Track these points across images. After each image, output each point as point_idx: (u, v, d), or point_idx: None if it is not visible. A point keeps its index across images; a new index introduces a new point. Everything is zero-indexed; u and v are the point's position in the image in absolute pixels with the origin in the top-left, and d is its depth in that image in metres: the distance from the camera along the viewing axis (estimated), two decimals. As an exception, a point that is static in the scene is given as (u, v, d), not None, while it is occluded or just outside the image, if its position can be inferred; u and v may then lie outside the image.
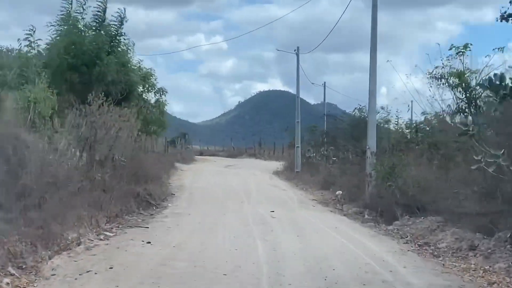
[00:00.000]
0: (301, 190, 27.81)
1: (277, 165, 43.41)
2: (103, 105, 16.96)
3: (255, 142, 66.00)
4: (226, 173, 38.34)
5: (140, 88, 28.89)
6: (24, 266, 8.91)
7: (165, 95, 34.68)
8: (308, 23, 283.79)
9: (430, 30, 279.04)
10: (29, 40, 20.80)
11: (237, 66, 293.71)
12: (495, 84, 8.62)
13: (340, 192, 22.17)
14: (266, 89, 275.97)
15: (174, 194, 22.69)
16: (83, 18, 22.26)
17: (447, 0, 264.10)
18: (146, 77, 30.39)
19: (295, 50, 41.37)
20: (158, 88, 33.40)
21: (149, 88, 32.07)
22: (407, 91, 28.74)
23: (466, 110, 17.29)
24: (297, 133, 40.43)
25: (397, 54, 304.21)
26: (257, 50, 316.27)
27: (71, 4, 21.98)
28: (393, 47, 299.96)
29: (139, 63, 28.42)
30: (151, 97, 33.27)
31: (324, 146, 33.78)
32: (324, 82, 55.73)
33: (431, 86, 18.46)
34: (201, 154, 63.44)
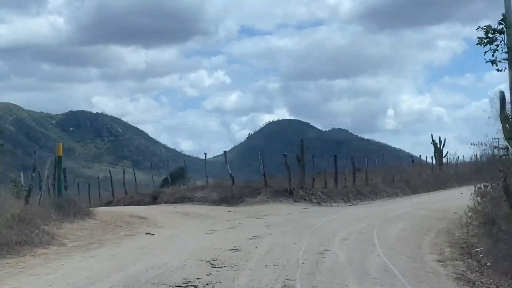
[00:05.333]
0: None
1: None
2: None
3: (292, 167, 26.25)
4: None
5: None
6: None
7: None
8: (310, 51, 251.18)
9: (432, 49, 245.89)
10: None
11: (241, 99, 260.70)
12: None
13: None
14: (274, 119, 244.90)
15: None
16: None
17: (444, 17, 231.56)
18: None
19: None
20: None
21: None
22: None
23: None
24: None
25: (401, 76, 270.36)
26: (261, 82, 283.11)
27: None
28: (397, 69, 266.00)
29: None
30: None
31: None
32: None
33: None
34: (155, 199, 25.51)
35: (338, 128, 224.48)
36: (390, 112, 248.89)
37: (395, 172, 33.73)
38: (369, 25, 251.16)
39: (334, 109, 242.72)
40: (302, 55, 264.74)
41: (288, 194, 23.43)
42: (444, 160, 40.02)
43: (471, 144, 50.86)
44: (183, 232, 14.45)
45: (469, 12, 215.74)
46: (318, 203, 23.66)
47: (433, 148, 39.79)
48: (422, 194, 32.33)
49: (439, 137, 40.53)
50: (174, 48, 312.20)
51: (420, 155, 38.07)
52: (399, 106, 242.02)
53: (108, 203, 30.49)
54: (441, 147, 39.94)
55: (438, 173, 36.85)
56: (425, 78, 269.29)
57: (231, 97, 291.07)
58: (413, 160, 36.48)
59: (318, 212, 20.10)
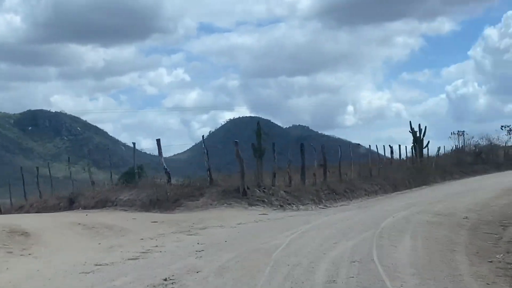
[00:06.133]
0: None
1: None
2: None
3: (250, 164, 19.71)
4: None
5: None
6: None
7: None
8: (269, 48, 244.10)
9: (390, 45, 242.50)
10: None
11: (202, 97, 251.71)
12: None
13: None
14: (235, 116, 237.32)
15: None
16: None
17: (402, 13, 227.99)
18: None
19: None
20: None
21: None
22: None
23: None
24: None
25: (360, 72, 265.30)
26: (221, 79, 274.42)
27: None
28: (357, 65, 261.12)
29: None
30: None
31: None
32: None
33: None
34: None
35: (299, 125, 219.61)
36: (350, 108, 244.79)
37: (372, 166, 27.80)
38: (328, 22, 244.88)
39: (295, 106, 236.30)
40: (262, 52, 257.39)
41: (241, 195, 17.20)
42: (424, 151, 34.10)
43: (451, 134, 44.92)
44: (42, 270, 8.10)
45: (425, 9, 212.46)
46: (281, 206, 17.50)
47: (412, 138, 33.83)
48: (404, 191, 26.53)
49: (419, 125, 34.69)
50: (133, 46, 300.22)
51: (374, 146, 31.44)
52: (359, 103, 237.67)
53: (19, 209, 24.00)
54: (422, 137, 34.05)
55: (419, 167, 31.14)
56: (384, 74, 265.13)
57: (191, 95, 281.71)
58: (392, 151, 30.48)
59: (281, 221, 13.96)
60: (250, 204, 16.87)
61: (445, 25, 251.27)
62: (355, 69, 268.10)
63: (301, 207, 18.21)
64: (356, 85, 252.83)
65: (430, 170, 31.94)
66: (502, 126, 44.95)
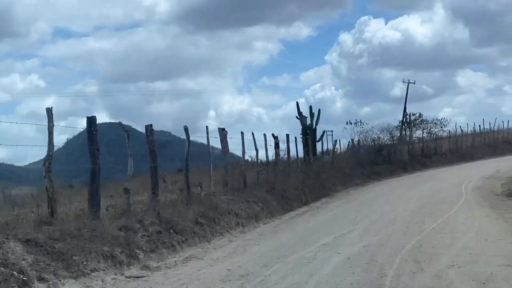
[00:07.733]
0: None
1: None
2: None
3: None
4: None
5: None
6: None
7: None
8: (128, 53, 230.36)
9: (250, 50, 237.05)
10: None
11: (58, 103, 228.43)
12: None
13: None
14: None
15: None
16: None
17: (260, 18, 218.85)
18: None
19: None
20: None
21: None
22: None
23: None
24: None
25: (221, 77, 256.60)
26: (79, 85, 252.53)
27: None
28: (217, 70, 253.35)
29: None
30: None
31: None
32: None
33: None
34: None
35: (161, 130, 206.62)
36: (212, 113, 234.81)
37: (247, 170, 16.29)
38: (186, 27, 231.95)
39: (156, 111, 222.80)
40: (121, 57, 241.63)
41: None
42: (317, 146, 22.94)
43: (347, 124, 32.25)
44: None
45: (282, 14, 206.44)
46: None
47: (301, 127, 22.40)
48: (302, 211, 15.45)
49: (310, 107, 23.49)
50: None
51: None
52: (220, 107, 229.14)
53: None
54: (314, 125, 22.81)
55: (315, 170, 20.31)
56: (245, 79, 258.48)
57: (47, 102, 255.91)
58: (278, 145, 18.18)
59: None
60: None
61: (302, 30, 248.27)
62: (216, 74, 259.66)
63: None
64: (217, 90, 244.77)
65: (328, 174, 21.21)
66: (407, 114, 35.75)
